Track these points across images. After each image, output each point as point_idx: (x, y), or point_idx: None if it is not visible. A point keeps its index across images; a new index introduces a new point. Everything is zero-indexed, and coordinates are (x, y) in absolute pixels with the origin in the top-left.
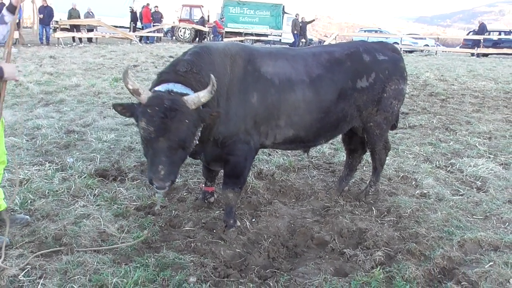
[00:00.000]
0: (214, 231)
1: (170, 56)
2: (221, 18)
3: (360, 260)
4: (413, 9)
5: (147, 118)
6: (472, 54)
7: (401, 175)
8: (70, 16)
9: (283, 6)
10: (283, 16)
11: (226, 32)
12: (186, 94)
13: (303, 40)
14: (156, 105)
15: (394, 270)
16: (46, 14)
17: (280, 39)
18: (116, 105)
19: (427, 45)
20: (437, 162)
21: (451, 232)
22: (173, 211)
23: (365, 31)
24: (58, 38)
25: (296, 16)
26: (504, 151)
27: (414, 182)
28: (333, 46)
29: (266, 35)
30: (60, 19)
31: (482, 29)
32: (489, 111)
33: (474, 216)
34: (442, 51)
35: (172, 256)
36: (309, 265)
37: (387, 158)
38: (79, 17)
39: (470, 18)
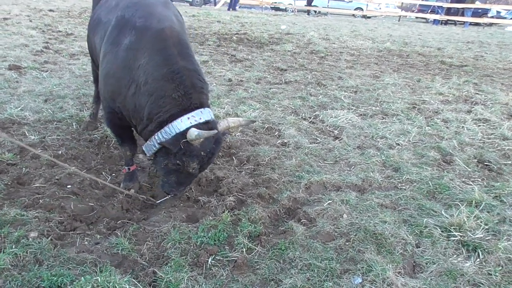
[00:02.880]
0: (69, 186)
1: (50, 10)
2: None
3: (212, 206)
4: None
5: (199, 160)
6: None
7: (266, 127)
8: None
9: None
10: None
11: None
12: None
13: None
14: (210, 150)
15: (242, 213)
16: None
17: None
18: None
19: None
20: (303, 114)
21: (301, 176)
22: (24, 169)
23: None
24: None
25: None
26: (365, 103)
27: (277, 133)
28: None
29: None
30: None
31: None
32: (360, 68)
33: (325, 161)
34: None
35: (13, 213)
36: (162, 214)
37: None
38: None
39: None
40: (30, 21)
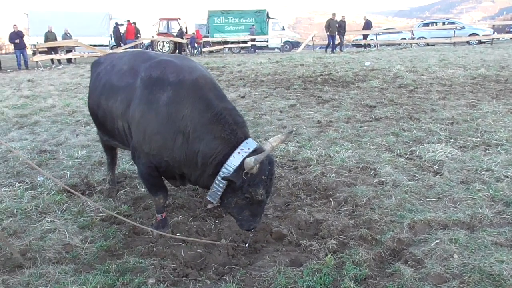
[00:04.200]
0: (178, 234)
1: None
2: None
3: (314, 250)
4: (392, 3)
5: (263, 185)
6: None
7: (361, 166)
8: (46, 39)
9: (267, 11)
10: (268, 21)
11: (212, 42)
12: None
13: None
14: (268, 171)
15: (345, 256)
16: (20, 38)
17: (268, 45)
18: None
19: (404, 38)
20: (398, 150)
21: (403, 216)
22: (138, 219)
23: (425, 24)
24: (37, 62)
25: (332, 17)
26: (464, 134)
27: (373, 172)
28: None
29: (246, 41)
30: (38, 43)
31: (367, 25)
32: (454, 98)
33: (427, 199)
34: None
35: (133, 261)
36: (266, 258)
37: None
38: (55, 39)
39: (448, 8)
40: None
